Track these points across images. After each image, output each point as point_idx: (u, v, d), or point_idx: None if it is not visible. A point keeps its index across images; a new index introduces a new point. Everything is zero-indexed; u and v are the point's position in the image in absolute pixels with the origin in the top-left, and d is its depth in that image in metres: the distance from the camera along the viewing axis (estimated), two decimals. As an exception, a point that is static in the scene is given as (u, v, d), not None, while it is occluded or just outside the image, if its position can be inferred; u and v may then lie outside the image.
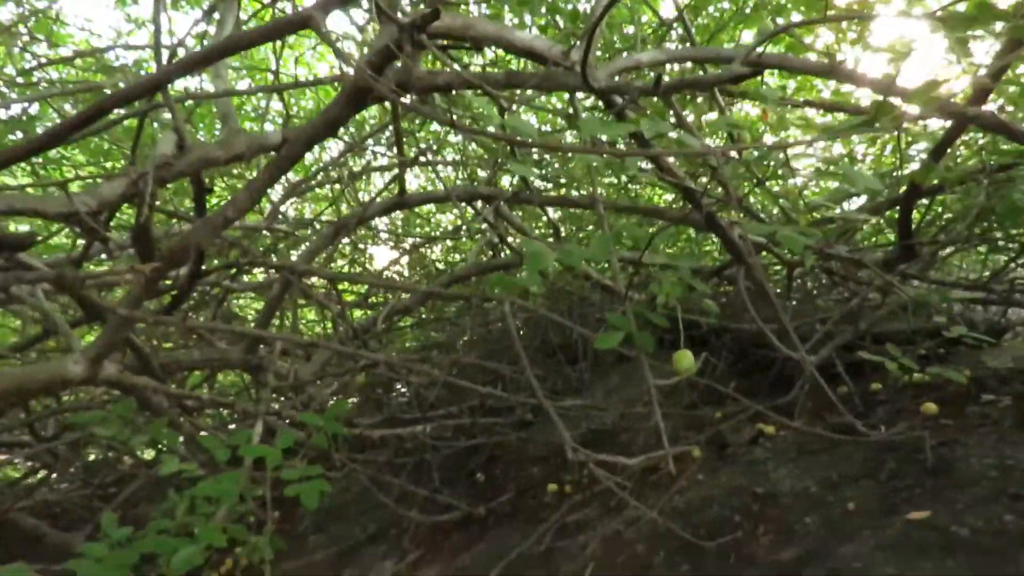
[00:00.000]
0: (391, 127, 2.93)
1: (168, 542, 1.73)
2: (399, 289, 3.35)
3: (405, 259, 5.14)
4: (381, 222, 5.15)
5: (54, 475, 4.04)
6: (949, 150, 2.13)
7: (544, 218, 3.49)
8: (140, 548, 1.73)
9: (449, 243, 5.11)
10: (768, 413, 2.26)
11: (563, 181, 3.16)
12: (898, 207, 2.45)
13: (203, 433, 2.63)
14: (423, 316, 3.74)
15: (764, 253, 2.88)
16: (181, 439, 2.25)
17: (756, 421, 2.97)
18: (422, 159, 3.52)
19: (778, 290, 3.73)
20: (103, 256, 3.82)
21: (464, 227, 4.80)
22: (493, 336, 4.29)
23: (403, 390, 4.06)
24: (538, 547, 2.67)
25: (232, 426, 3.73)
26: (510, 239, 3.39)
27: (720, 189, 2.09)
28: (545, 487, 3.31)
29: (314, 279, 4.33)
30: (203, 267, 2.71)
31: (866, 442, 2.41)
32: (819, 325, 2.54)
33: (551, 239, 3.55)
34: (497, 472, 3.78)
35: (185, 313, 2.13)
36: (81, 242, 3.01)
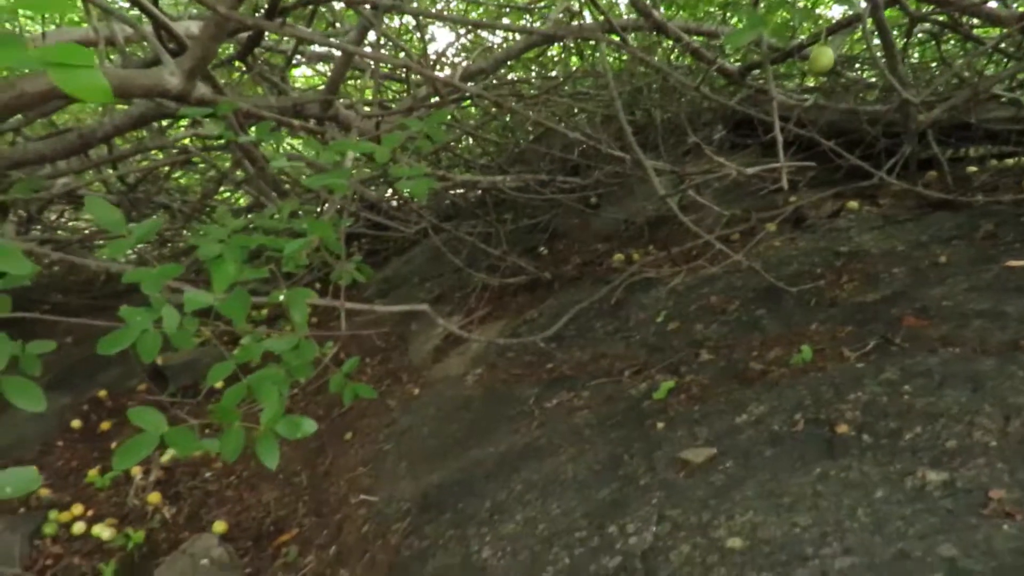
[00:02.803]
0: None
1: (277, 239, 1.80)
2: (488, 28, 3.19)
3: (469, 38, 4.90)
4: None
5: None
6: None
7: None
8: (249, 243, 1.80)
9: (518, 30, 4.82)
10: (875, 170, 2.19)
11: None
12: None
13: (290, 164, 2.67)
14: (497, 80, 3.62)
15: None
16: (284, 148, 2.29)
17: (838, 199, 2.91)
18: None
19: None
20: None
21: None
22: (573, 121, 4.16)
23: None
24: (608, 301, 2.76)
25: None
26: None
27: None
28: (609, 259, 3.37)
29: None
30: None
31: (960, 211, 2.37)
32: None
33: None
34: (560, 247, 3.85)
35: (283, 20, 2.06)
36: None
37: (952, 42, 2.89)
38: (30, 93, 1.95)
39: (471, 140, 4.13)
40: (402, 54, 3.35)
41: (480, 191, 4.28)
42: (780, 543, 1.14)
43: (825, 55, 1.38)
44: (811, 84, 4.24)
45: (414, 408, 2.70)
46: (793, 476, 1.30)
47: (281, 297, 1.75)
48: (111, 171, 3.55)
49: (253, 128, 3.36)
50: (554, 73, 4.48)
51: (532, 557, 1.46)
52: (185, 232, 5.16)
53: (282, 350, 1.59)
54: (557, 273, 3.39)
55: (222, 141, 3.68)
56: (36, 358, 1.36)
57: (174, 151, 3.43)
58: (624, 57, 4.10)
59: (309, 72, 6.18)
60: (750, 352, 1.98)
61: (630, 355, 2.35)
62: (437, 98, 2.97)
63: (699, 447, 1.54)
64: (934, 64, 3.17)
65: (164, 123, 4.09)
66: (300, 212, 2.80)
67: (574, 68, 3.96)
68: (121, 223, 1.51)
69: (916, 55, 3.35)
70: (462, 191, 4.58)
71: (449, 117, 4.28)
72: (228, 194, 5.83)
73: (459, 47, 4.76)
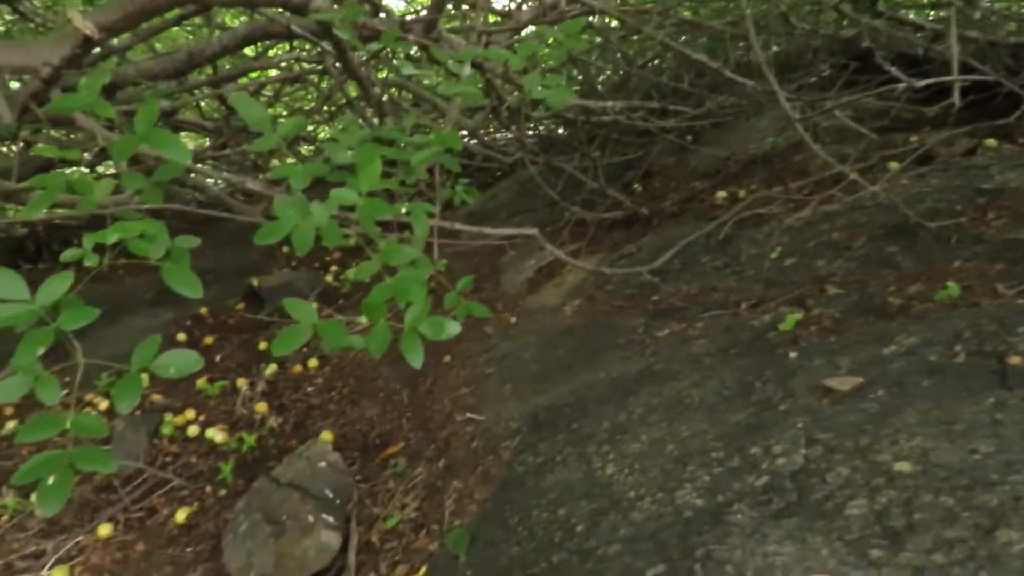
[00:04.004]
0: None
1: (404, 151, 1.78)
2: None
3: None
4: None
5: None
6: None
7: None
8: (379, 152, 1.78)
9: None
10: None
11: None
12: None
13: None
14: None
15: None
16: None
17: (971, 137, 2.71)
18: None
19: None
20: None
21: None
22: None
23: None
24: (716, 236, 2.66)
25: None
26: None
27: None
28: (711, 196, 3.26)
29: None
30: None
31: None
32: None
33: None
34: (656, 185, 3.74)
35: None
36: None
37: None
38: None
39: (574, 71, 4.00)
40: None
41: (569, 125, 4.19)
42: (957, 468, 1.08)
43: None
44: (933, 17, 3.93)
45: (512, 335, 2.70)
46: (962, 405, 1.23)
47: (403, 209, 1.74)
48: (205, 93, 3.60)
49: (356, 53, 3.33)
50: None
51: (664, 474, 1.44)
52: (275, 162, 5.24)
53: (402, 262, 1.57)
54: (655, 209, 3.30)
55: (320, 66, 3.67)
56: (185, 251, 1.38)
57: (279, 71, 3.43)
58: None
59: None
60: (885, 287, 1.88)
61: (744, 289, 2.27)
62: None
63: (842, 376, 1.47)
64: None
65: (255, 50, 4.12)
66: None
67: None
68: (267, 120, 1.51)
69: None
70: (551, 126, 4.50)
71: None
72: (311, 128, 5.88)
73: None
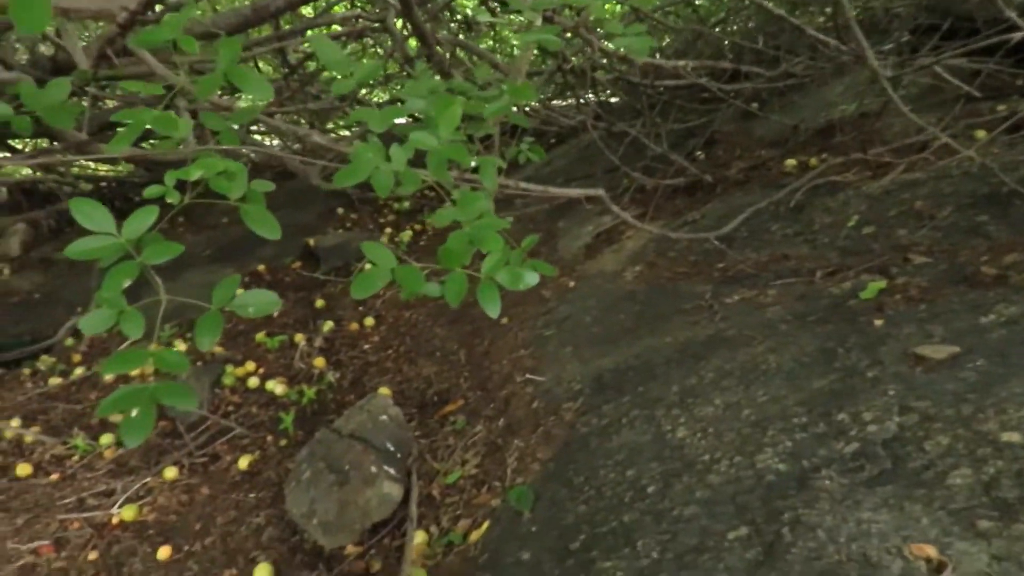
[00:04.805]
0: None
1: (476, 105, 1.74)
2: None
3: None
4: None
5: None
6: None
7: None
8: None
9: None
10: None
11: None
12: None
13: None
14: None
15: None
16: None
17: (1069, 105, 2.54)
18: None
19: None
20: None
21: None
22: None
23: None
24: (786, 204, 2.57)
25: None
26: None
27: None
28: (779, 164, 3.14)
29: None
30: None
31: None
32: None
33: None
34: (719, 153, 3.63)
35: None
36: None
37: None
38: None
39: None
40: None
41: (631, 91, 4.08)
42: (1076, 440, 1.00)
43: None
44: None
45: (571, 299, 2.66)
46: (1076, 376, 1.15)
47: (473, 163, 1.70)
48: (264, 50, 3.61)
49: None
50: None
51: (741, 439, 1.39)
52: (330, 125, 5.26)
53: (473, 215, 1.53)
54: (719, 177, 3.20)
55: (382, 24, 3.64)
56: (261, 194, 1.37)
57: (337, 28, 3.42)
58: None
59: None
60: (977, 257, 1.77)
61: (818, 257, 2.18)
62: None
63: (936, 344, 1.40)
64: None
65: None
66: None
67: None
68: (345, 62, 1.49)
69: None
70: (612, 92, 4.40)
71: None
72: (363, 92, 5.86)
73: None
